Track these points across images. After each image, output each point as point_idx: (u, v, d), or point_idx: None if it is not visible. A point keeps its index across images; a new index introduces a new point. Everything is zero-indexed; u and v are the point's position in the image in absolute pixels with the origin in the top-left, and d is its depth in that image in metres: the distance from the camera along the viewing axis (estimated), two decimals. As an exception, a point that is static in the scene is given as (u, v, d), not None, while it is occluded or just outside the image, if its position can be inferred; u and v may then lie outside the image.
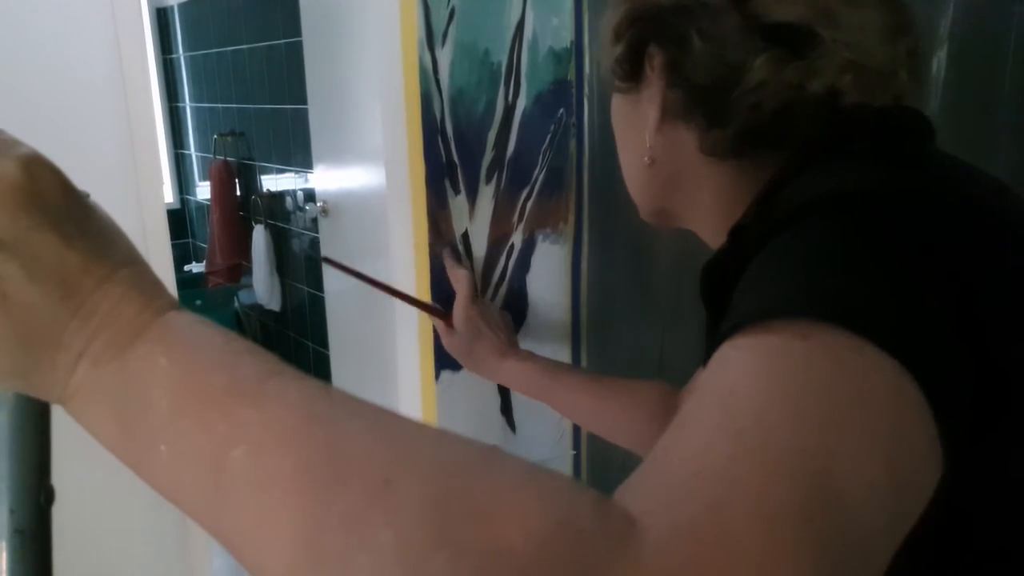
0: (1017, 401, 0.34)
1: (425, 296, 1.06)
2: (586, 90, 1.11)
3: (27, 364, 0.31)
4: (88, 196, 0.35)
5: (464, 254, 1.09)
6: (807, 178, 0.44)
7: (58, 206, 0.32)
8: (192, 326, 0.32)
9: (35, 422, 0.35)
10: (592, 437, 1.20)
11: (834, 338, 0.30)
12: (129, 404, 0.30)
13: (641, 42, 0.52)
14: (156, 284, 0.33)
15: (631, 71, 0.54)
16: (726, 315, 0.35)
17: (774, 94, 0.46)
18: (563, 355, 1.18)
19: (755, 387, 0.30)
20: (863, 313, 0.31)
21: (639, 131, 0.55)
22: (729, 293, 0.38)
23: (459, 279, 0.99)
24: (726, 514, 0.25)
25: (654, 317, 1.15)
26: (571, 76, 1.11)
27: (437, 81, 1.02)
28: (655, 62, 0.51)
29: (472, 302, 0.97)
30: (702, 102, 0.50)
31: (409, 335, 1.15)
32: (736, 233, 0.46)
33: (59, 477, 0.36)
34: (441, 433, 0.29)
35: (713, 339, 0.34)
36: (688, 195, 0.56)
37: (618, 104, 0.59)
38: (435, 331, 1.05)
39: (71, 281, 0.31)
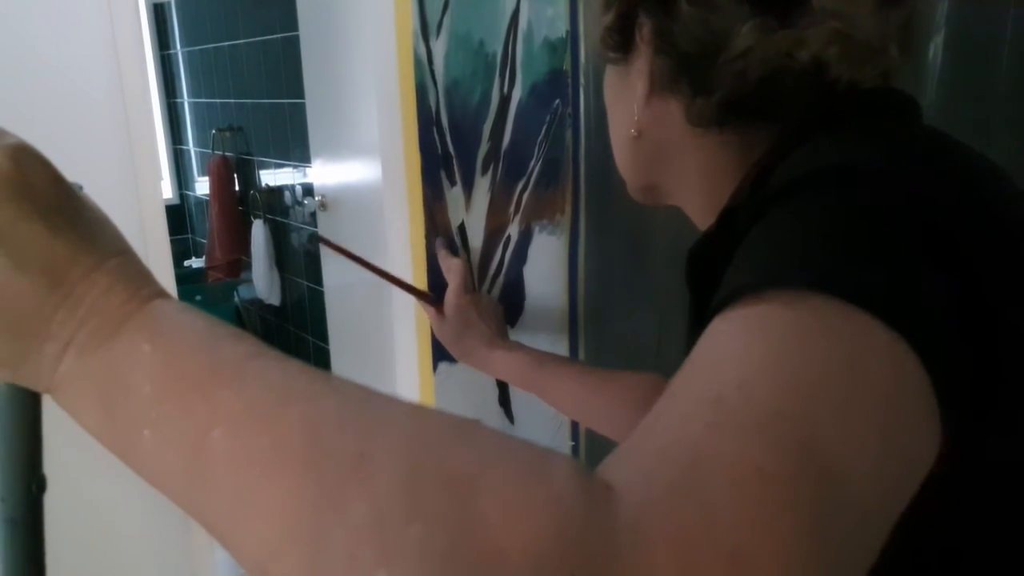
0: (1013, 378, 0.34)
1: (422, 287, 1.06)
2: (582, 80, 1.11)
3: (15, 354, 0.31)
4: (81, 188, 0.35)
5: (461, 245, 1.09)
6: (797, 157, 0.44)
7: (46, 196, 0.32)
8: (177, 313, 0.32)
9: (26, 411, 0.35)
10: (591, 428, 1.20)
11: (824, 306, 0.29)
12: (114, 391, 0.30)
13: (630, 10, 0.52)
14: (143, 273, 0.33)
15: (622, 41, 0.53)
16: (716, 293, 0.35)
17: (759, 62, 0.46)
18: (561, 346, 1.18)
19: (739, 356, 0.29)
20: (855, 282, 0.30)
21: (628, 103, 0.55)
22: (716, 277, 0.37)
23: (451, 268, 0.99)
24: (702, 480, 0.24)
25: (652, 307, 1.15)
26: (567, 66, 1.11)
27: (432, 72, 1.02)
28: (644, 31, 0.51)
29: (463, 291, 0.97)
30: (688, 70, 0.49)
31: (407, 328, 1.15)
32: (725, 216, 0.46)
33: (51, 466, 0.36)
34: (419, 408, 0.29)
35: (697, 325, 0.33)
36: (675, 170, 0.55)
37: (609, 77, 0.58)
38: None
39: (58, 271, 0.31)
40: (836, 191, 0.37)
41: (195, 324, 0.31)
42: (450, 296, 0.97)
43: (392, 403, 0.29)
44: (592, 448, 1.23)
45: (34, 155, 0.32)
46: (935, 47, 0.79)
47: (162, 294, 0.33)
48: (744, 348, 0.29)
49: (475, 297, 0.98)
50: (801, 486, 0.25)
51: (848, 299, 0.29)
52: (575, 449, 1.23)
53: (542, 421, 1.19)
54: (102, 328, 0.31)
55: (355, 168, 1.93)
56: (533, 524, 0.24)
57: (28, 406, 0.35)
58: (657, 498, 0.24)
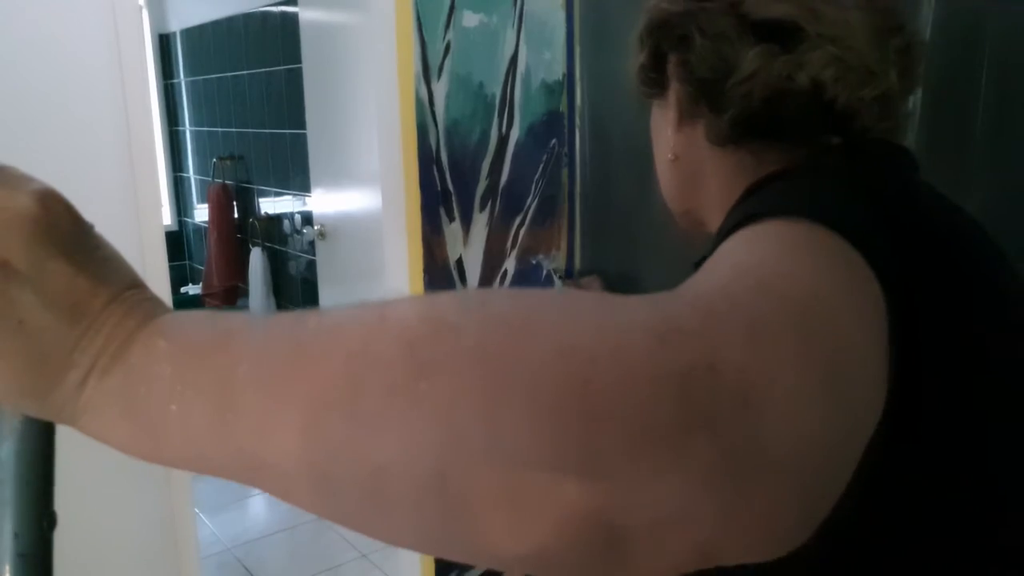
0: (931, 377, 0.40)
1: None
2: (578, 121, 1.14)
3: (42, 385, 0.33)
4: (93, 227, 0.37)
5: (458, 279, 1.11)
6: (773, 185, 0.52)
7: (69, 236, 0.34)
8: (185, 314, 0.34)
9: (41, 449, 0.36)
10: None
11: (814, 227, 0.37)
12: (135, 389, 0.32)
13: (659, 48, 0.59)
14: (157, 301, 0.35)
15: (656, 78, 0.60)
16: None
17: (764, 84, 0.52)
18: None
19: (767, 248, 0.37)
20: (836, 219, 0.38)
21: (666, 132, 0.61)
22: None
23: (590, 283, 1.11)
24: (764, 291, 0.31)
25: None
26: (563, 108, 1.14)
27: (433, 113, 1.05)
28: (671, 64, 0.58)
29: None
30: (705, 93, 0.56)
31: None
32: (718, 235, 0.50)
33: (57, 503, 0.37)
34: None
35: None
36: (704, 193, 0.62)
37: (653, 113, 0.65)
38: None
39: (80, 305, 0.33)
40: (805, 177, 0.48)
41: (206, 313, 0.34)
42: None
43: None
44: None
45: (58, 198, 0.34)
46: (914, 99, 0.83)
47: (171, 311, 0.35)
48: (770, 243, 0.37)
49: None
50: (829, 307, 0.33)
51: (831, 227, 0.38)
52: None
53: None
54: (120, 349, 0.33)
55: (355, 198, 1.96)
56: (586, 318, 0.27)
57: (43, 444, 0.36)
58: (724, 296, 0.30)
